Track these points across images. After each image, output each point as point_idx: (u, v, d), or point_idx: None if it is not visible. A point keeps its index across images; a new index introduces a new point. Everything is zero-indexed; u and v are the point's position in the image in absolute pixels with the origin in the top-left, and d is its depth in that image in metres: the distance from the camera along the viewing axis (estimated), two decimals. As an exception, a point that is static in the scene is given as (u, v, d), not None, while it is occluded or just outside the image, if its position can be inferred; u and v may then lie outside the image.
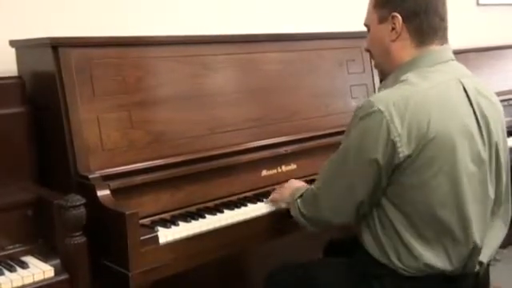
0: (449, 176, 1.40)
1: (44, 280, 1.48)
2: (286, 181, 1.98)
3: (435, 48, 1.50)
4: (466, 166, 1.42)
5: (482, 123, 1.47)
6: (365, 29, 1.63)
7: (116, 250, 1.57)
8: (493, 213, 1.52)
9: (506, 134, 1.56)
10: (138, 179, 1.72)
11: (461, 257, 1.45)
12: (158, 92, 1.90)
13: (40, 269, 1.50)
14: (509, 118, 2.80)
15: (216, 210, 1.81)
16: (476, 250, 1.46)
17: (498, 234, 1.57)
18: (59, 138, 1.73)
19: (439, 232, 1.43)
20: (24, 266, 1.50)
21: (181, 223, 1.69)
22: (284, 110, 2.20)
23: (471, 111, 1.46)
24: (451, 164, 1.40)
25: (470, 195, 1.43)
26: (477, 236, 1.44)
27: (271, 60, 2.22)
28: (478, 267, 1.50)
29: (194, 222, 1.71)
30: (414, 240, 1.43)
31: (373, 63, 1.70)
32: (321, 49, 2.38)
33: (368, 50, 1.64)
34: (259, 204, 1.87)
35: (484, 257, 1.50)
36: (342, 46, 2.44)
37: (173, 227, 1.67)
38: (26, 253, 1.59)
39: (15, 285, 1.43)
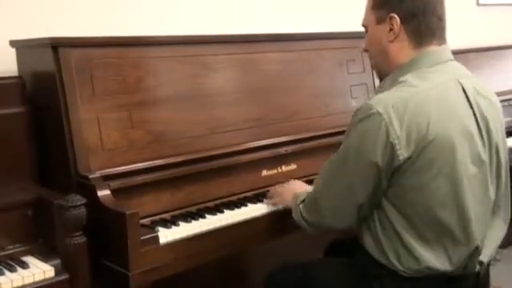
0: (448, 177, 1.40)
1: (44, 280, 1.48)
2: (287, 181, 1.99)
3: (433, 49, 1.50)
4: (466, 167, 1.42)
5: (482, 124, 1.47)
6: (365, 29, 1.63)
7: (116, 250, 1.57)
8: (493, 212, 1.52)
9: (505, 134, 1.56)
10: (139, 179, 1.72)
11: (461, 257, 1.45)
12: (158, 92, 1.90)
13: (40, 269, 1.50)
14: (509, 118, 2.81)
15: (216, 210, 1.81)
16: (476, 250, 1.46)
17: (498, 233, 1.57)
18: (59, 137, 1.73)
19: (439, 233, 1.43)
20: (24, 265, 1.50)
21: (181, 223, 1.69)
22: (284, 109, 2.20)
23: (471, 112, 1.46)
24: (451, 165, 1.40)
25: (470, 196, 1.43)
26: (477, 236, 1.45)
27: (271, 60, 2.22)
28: (478, 267, 1.50)
29: (194, 222, 1.71)
30: (414, 241, 1.43)
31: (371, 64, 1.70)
32: (321, 49, 2.38)
33: (366, 51, 1.64)
34: (259, 204, 1.87)
35: (484, 256, 1.50)
36: (342, 46, 2.44)
37: (173, 227, 1.67)
38: (27, 253, 1.59)
39: (15, 285, 1.43)
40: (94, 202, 1.59)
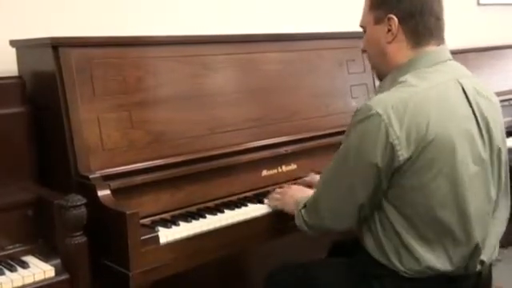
0: (449, 177, 1.40)
1: (44, 280, 1.48)
2: (287, 181, 1.99)
3: (432, 49, 1.50)
4: (467, 167, 1.41)
5: (482, 124, 1.46)
6: (364, 29, 1.63)
7: (116, 250, 1.57)
8: (493, 211, 1.52)
9: (504, 134, 1.56)
10: (139, 179, 1.72)
11: (462, 257, 1.45)
12: (158, 92, 1.90)
13: (40, 269, 1.50)
14: (509, 118, 2.81)
15: (216, 209, 1.81)
16: (477, 249, 1.45)
17: (498, 230, 1.56)
18: (59, 137, 1.73)
19: (440, 233, 1.43)
20: (24, 265, 1.50)
21: (181, 223, 1.69)
22: (284, 109, 2.20)
23: (471, 112, 1.46)
24: (451, 166, 1.39)
25: (471, 196, 1.42)
26: (477, 236, 1.44)
27: (271, 60, 2.22)
28: (479, 267, 1.50)
29: (194, 221, 1.71)
30: (415, 241, 1.43)
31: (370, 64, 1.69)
32: (321, 49, 2.38)
33: (364, 51, 1.63)
34: (259, 204, 1.86)
35: (485, 256, 1.50)
36: (342, 46, 2.44)
37: (173, 227, 1.67)
38: (27, 253, 1.59)
39: (16, 285, 1.43)
40: (94, 201, 1.59)
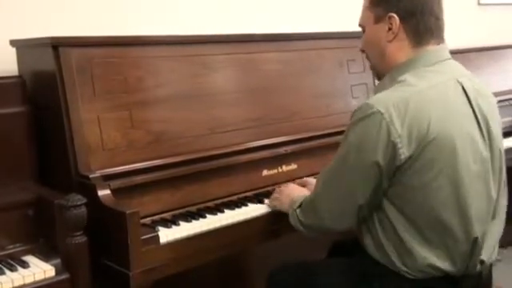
0: (450, 177, 1.40)
1: (45, 279, 1.48)
2: (287, 181, 1.99)
3: (432, 48, 1.50)
4: (468, 166, 1.41)
5: (482, 123, 1.46)
6: (365, 29, 1.63)
7: (117, 250, 1.57)
8: (493, 211, 1.52)
9: (501, 132, 1.56)
10: (139, 179, 1.72)
11: (462, 257, 1.45)
12: (158, 92, 1.90)
13: (41, 268, 1.50)
14: (509, 118, 2.81)
15: (217, 209, 1.81)
16: (477, 249, 1.45)
17: (498, 230, 1.56)
18: (60, 137, 1.73)
19: (440, 233, 1.42)
20: (25, 265, 1.50)
21: (181, 223, 1.69)
22: (284, 109, 2.20)
23: (471, 111, 1.46)
24: (452, 165, 1.39)
25: (472, 196, 1.42)
26: (478, 236, 1.44)
27: (271, 60, 2.22)
28: (479, 266, 1.50)
29: (194, 221, 1.71)
30: (415, 241, 1.43)
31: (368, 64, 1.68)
32: (321, 48, 2.38)
33: (363, 51, 1.63)
34: (260, 204, 1.86)
35: (485, 255, 1.50)
36: (343, 46, 2.44)
37: (173, 227, 1.67)
38: (27, 252, 1.59)
39: (16, 284, 1.43)
40: (94, 201, 1.59)
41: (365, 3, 1.57)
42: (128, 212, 1.52)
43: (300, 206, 1.60)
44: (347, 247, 1.74)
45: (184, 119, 1.93)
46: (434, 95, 1.41)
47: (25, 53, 1.90)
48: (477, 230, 1.44)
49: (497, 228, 1.55)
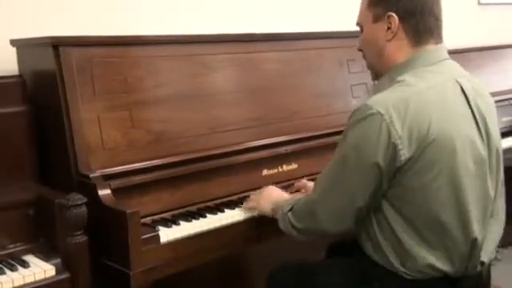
0: (449, 178, 1.39)
1: (45, 279, 1.48)
2: (288, 180, 1.99)
3: (431, 47, 1.49)
4: (467, 166, 1.41)
5: (481, 123, 1.46)
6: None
7: (117, 249, 1.57)
8: (492, 211, 1.52)
9: (499, 132, 1.56)
10: (139, 178, 1.72)
11: (462, 258, 1.44)
12: (158, 91, 1.90)
13: (41, 268, 1.50)
14: (509, 118, 2.82)
15: (217, 209, 1.81)
16: (476, 250, 1.45)
17: (497, 231, 1.56)
18: (60, 137, 1.73)
19: (439, 234, 1.42)
20: (25, 265, 1.51)
21: (182, 222, 1.69)
22: (284, 109, 2.20)
23: (469, 112, 1.46)
24: (451, 166, 1.39)
25: (470, 196, 1.42)
26: (477, 236, 1.44)
27: (271, 59, 2.22)
28: (479, 267, 1.49)
29: (194, 221, 1.71)
30: (415, 242, 1.43)
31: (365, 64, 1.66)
32: (321, 48, 2.38)
33: (361, 50, 1.62)
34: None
35: (485, 256, 1.50)
36: (343, 46, 2.43)
37: (174, 226, 1.67)
38: (27, 252, 1.59)
39: (16, 284, 1.43)
40: (94, 201, 1.59)
41: (363, 2, 1.56)
42: (128, 211, 1.52)
43: (291, 210, 1.58)
44: (346, 248, 1.74)
45: (184, 119, 1.93)
46: (433, 96, 1.41)
47: (25, 52, 1.90)
48: (476, 231, 1.43)
49: (496, 228, 1.55)
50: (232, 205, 1.84)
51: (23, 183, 1.72)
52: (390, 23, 1.48)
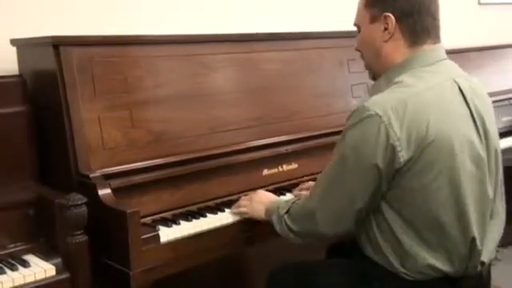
0: (449, 179, 1.39)
1: (45, 279, 1.48)
2: (288, 180, 1.99)
3: (428, 47, 1.49)
4: (465, 167, 1.41)
5: (479, 123, 1.46)
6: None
7: (117, 249, 1.57)
8: (491, 212, 1.52)
9: (497, 132, 1.56)
10: (139, 178, 1.72)
11: (461, 258, 1.44)
12: (158, 91, 1.90)
13: (41, 267, 1.50)
14: (509, 118, 2.81)
15: (217, 209, 1.81)
16: (476, 250, 1.45)
17: (497, 231, 1.56)
18: (60, 137, 1.73)
19: (439, 234, 1.42)
20: (25, 264, 1.50)
21: (182, 222, 1.69)
22: (285, 109, 2.20)
23: (468, 112, 1.46)
24: (450, 166, 1.39)
25: (470, 197, 1.42)
26: (477, 236, 1.44)
27: (271, 59, 2.22)
28: (479, 267, 1.49)
29: (195, 220, 1.71)
30: (415, 243, 1.42)
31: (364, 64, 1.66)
32: (321, 48, 2.38)
33: (358, 50, 1.62)
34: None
35: (485, 256, 1.49)
36: (343, 45, 2.43)
37: (174, 226, 1.67)
38: (28, 251, 1.59)
39: (17, 283, 1.43)
40: (94, 200, 1.59)
41: (360, 3, 1.56)
42: (128, 211, 1.52)
43: (288, 212, 1.57)
44: (345, 248, 1.73)
45: (184, 119, 1.93)
46: (431, 97, 1.40)
47: (25, 52, 1.90)
48: (475, 231, 1.43)
49: (496, 229, 1.55)
50: (232, 204, 1.84)
51: (23, 183, 1.72)
52: (387, 24, 1.48)
